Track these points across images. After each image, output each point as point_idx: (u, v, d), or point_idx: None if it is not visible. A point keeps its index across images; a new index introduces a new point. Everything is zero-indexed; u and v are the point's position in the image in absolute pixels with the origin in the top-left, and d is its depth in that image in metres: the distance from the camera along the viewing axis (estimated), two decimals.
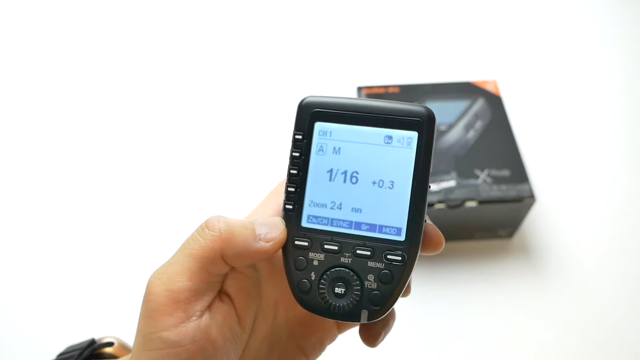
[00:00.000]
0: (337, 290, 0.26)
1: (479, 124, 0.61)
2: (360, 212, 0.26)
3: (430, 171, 0.26)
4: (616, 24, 0.86)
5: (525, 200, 0.55)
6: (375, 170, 0.26)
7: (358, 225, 0.26)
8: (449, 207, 0.54)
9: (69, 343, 0.41)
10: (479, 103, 0.63)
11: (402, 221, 0.26)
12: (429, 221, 0.27)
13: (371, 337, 0.28)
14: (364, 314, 0.26)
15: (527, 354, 0.53)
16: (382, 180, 0.26)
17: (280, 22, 0.86)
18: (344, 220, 0.26)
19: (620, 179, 0.67)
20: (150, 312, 0.24)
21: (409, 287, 0.27)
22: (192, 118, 0.73)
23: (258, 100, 0.75)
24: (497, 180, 0.56)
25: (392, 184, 0.26)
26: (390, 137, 0.26)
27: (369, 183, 0.26)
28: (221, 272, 0.26)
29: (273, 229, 0.26)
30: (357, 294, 0.26)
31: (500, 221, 0.58)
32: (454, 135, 0.60)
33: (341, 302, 0.26)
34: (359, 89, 0.65)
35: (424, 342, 0.54)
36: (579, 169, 0.67)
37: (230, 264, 0.25)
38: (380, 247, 0.26)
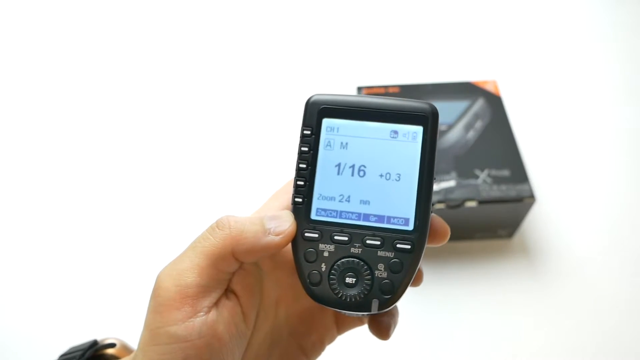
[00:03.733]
0: (348, 280, 0.26)
1: (479, 124, 0.61)
2: (369, 204, 0.27)
3: (435, 163, 0.27)
4: (615, 24, 0.86)
5: (525, 200, 0.55)
6: (382, 164, 0.27)
7: (367, 217, 0.27)
8: (449, 207, 0.54)
9: (71, 344, 0.41)
10: (479, 103, 0.63)
11: (409, 212, 0.27)
12: (433, 213, 0.28)
13: (383, 329, 0.29)
14: (375, 303, 0.26)
15: (527, 354, 0.53)
16: (389, 173, 0.27)
17: (280, 22, 0.86)
18: (352, 212, 0.27)
19: (620, 179, 0.67)
20: (158, 306, 0.24)
21: (420, 276, 0.28)
22: (195, 118, 0.73)
23: (259, 100, 0.75)
24: (497, 180, 0.56)
25: (398, 177, 0.27)
26: (396, 132, 0.27)
27: (377, 176, 0.27)
28: (231, 269, 0.26)
29: (282, 222, 0.26)
30: (367, 283, 0.26)
31: (500, 221, 0.58)
32: (454, 135, 0.60)
33: (352, 292, 0.26)
34: (359, 89, 0.65)
35: (423, 342, 0.54)
36: (579, 169, 0.67)
37: (241, 260, 0.26)
38: (389, 236, 0.26)
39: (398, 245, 0.26)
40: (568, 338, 0.54)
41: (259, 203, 0.31)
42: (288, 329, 0.31)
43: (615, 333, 0.54)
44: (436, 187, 0.55)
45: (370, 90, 0.65)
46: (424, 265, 0.58)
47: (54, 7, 0.87)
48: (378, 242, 0.26)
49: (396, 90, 0.64)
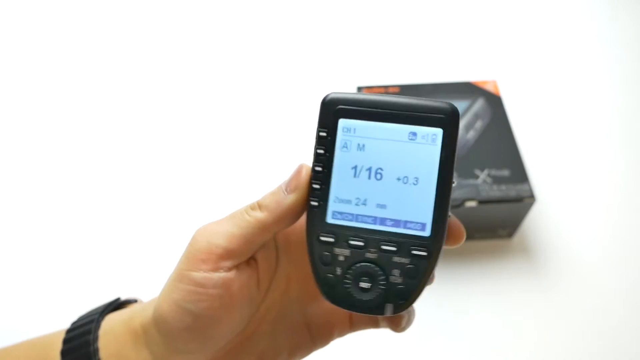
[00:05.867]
0: (363, 285, 0.26)
1: (479, 124, 0.61)
2: (385, 208, 0.27)
3: (455, 167, 0.26)
4: (615, 24, 0.86)
5: (525, 200, 0.55)
6: (399, 167, 0.26)
7: (383, 221, 0.27)
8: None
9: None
10: (479, 103, 0.63)
11: (427, 217, 0.26)
12: (451, 215, 0.28)
13: (396, 322, 0.29)
14: (389, 308, 0.26)
15: (527, 354, 0.53)
16: (406, 177, 0.26)
17: (280, 22, 0.86)
18: (368, 216, 0.27)
19: (620, 179, 0.67)
20: (189, 253, 0.28)
21: (432, 277, 0.28)
22: (195, 117, 0.73)
23: (260, 99, 0.75)
24: (497, 180, 0.56)
25: (416, 180, 0.26)
26: (414, 134, 0.26)
27: (394, 179, 0.26)
28: (261, 241, 0.28)
29: (293, 178, 0.28)
30: (382, 288, 0.26)
31: (500, 221, 0.58)
32: None
33: (366, 297, 0.26)
34: (359, 89, 0.65)
35: (423, 342, 0.54)
36: (579, 169, 0.67)
37: (273, 230, 0.28)
38: (405, 242, 0.26)
39: (413, 252, 0.26)
40: (568, 338, 0.54)
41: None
42: (299, 306, 0.32)
43: (615, 333, 0.54)
44: None
45: (370, 91, 0.65)
46: None
47: (53, 7, 0.87)
48: (394, 248, 0.26)
49: (396, 90, 0.64)
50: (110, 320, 0.31)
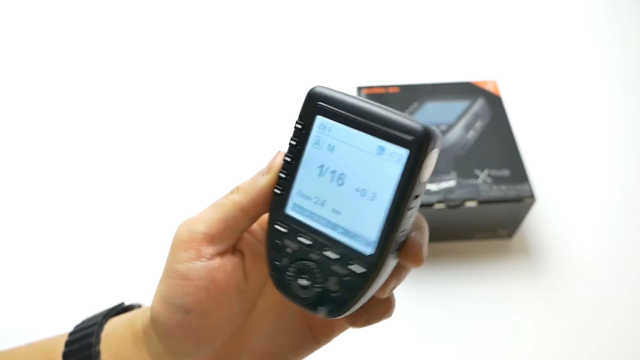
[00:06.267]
0: (301, 281, 0.27)
1: (479, 124, 0.61)
2: (340, 214, 0.26)
3: (417, 193, 0.25)
4: (615, 23, 0.86)
5: (525, 200, 0.55)
6: (361, 178, 0.26)
7: (334, 227, 0.26)
8: (449, 207, 0.54)
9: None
10: (479, 103, 0.63)
11: (374, 235, 0.25)
12: (417, 237, 0.27)
13: (351, 319, 0.29)
14: (322, 311, 0.26)
15: (527, 354, 0.53)
16: (365, 190, 0.26)
17: (280, 22, 0.86)
18: (323, 218, 0.27)
19: (620, 179, 0.67)
20: (173, 247, 0.28)
21: (384, 290, 0.27)
22: (196, 116, 0.73)
23: (258, 100, 0.75)
24: (497, 180, 0.56)
25: (373, 196, 0.25)
26: (383, 149, 0.25)
27: (353, 189, 0.26)
28: (240, 226, 0.28)
29: (269, 162, 0.28)
30: (318, 290, 0.26)
31: (500, 221, 0.58)
32: (454, 135, 0.60)
33: (303, 294, 0.27)
34: (359, 89, 0.65)
35: (423, 342, 0.54)
36: (579, 169, 0.67)
37: (251, 213, 0.28)
38: (347, 254, 0.26)
39: (351, 267, 0.26)
40: (568, 338, 0.54)
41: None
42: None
43: (615, 333, 0.54)
44: (436, 187, 0.55)
45: (370, 90, 0.65)
46: (423, 265, 0.58)
47: (52, 7, 0.87)
48: (336, 257, 0.26)
49: (396, 90, 0.64)
50: (113, 324, 0.31)
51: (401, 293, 0.56)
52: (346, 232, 0.26)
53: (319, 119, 0.27)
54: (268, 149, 0.68)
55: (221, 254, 0.28)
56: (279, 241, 0.27)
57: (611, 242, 0.61)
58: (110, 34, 0.84)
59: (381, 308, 0.29)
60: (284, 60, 0.81)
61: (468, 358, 0.53)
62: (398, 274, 0.28)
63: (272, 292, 0.31)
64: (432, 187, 0.55)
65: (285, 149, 0.28)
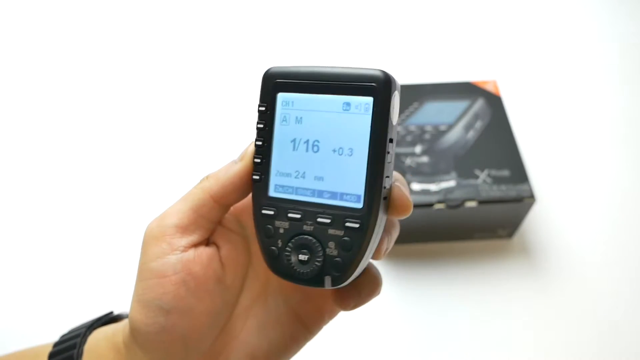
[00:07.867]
0: (301, 257, 0.26)
1: (479, 124, 0.61)
2: (323, 180, 0.26)
3: (391, 137, 0.26)
4: (615, 23, 0.86)
5: (525, 200, 0.55)
6: (335, 138, 0.26)
7: (320, 194, 0.26)
8: (449, 207, 0.54)
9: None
10: (479, 103, 0.63)
11: (360, 188, 0.26)
12: (400, 186, 0.27)
13: (342, 300, 0.29)
14: (328, 280, 0.26)
15: (527, 354, 0.53)
16: (341, 148, 0.26)
17: (280, 22, 0.86)
18: (307, 189, 0.27)
19: (620, 179, 0.67)
20: (144, 245, 0.27)
21: (379, 251, 0.27)
22: (196, 116, 0.73)
23: (251, 100, 0.75)
24: (497, 180, 0.56)
25: (351, 151, 0.26)
26: (348, 104, 0.26)
27: (330, 151, 0.26)
28: (212, 215, 0.28)
29: (243, 150, 0.28)
30: (319, 260, 0.26)
31: (500, 221, 0.58)
32: (454, 135, 0.60)
33: (305, 269, 0.26)
34: None
35: (423, 342, 0.54)
36: (579, 169, 0.67)
37: (221, 201, 0.28)
38: (339, 214, 0.26)
39: (347, 224, 0.26)
40: (568, 338, 0.54)
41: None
42: (283, 296, 0.31)
43: (615, 333, 0.54)
44: (436, 187, 0.55)
45: None
46: (423, 265, 0.58)
47: (51, 7, 0.87)
48: (328, 220, 0.26)
49: None
50: (96, 338, 0.30)
51: (401, 293, 0.56)
52: (333, 195, 0.26)
53: (281, 96, 0.27)
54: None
55: (195, 245, 0.27)
56: (269, 225, 0.27)
57: (611, 242, 0.61)
58: (97, 34, 0.84)
59: (370, 285, 0.29)
60: (284, 61, 0.80)
61: (468, 358, 0.53)
62: (388, 233, 0.28)
63: (254, 287, 0.31)
64: (432, 187, 0.55)
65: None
